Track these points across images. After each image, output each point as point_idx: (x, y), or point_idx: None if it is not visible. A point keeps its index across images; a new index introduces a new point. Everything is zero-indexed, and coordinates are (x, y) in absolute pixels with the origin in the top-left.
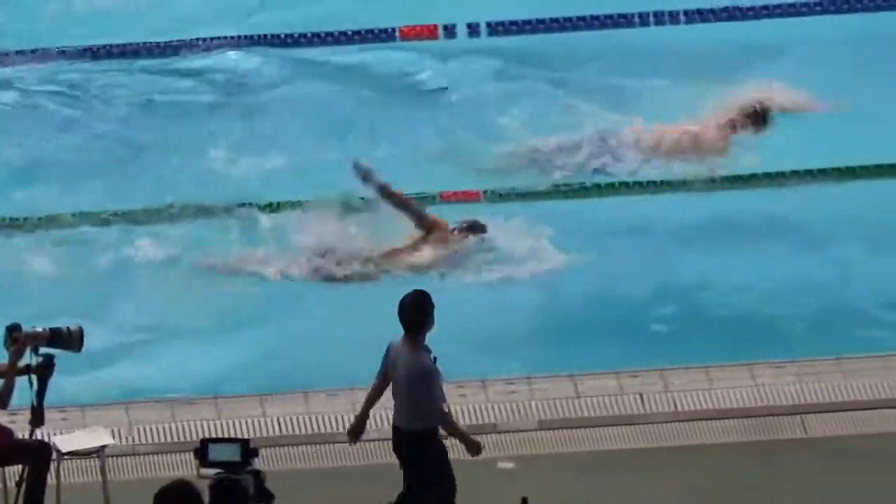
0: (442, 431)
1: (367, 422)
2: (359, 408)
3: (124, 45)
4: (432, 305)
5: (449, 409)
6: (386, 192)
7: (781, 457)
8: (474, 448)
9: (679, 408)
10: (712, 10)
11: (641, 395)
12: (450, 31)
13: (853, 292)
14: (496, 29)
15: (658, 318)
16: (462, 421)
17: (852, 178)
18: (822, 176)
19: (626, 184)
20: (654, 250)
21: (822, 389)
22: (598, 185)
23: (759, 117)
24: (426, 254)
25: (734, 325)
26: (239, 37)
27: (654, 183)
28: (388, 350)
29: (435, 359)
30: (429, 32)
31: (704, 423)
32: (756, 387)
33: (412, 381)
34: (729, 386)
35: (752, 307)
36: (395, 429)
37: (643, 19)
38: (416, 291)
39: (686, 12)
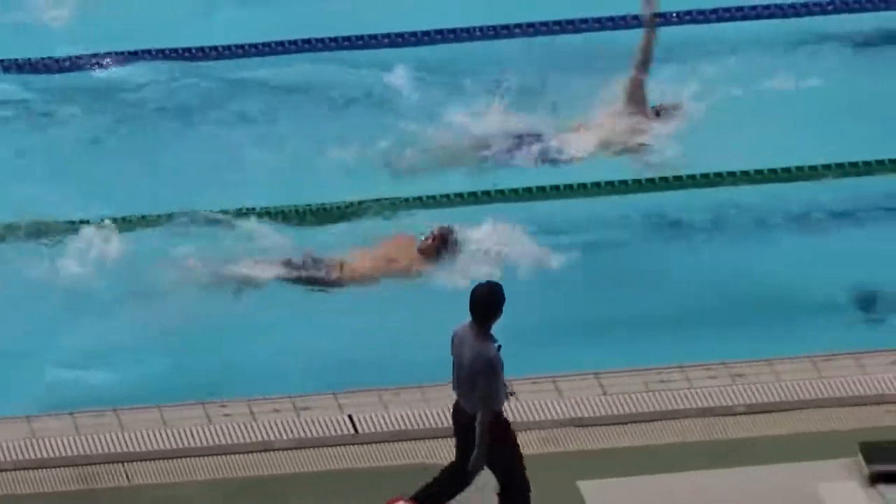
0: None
1: None
2: None
3: None
4: (504, 297)
5: (498, 411)
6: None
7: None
8: (475, 464)
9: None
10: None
11: None
12: None
13: None
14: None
15: None
16: None
17: None
18: None
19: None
20: None
21: (144, 436)
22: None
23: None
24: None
25: None
26: None
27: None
28: (453, 337)
29: (499, 347)
30: None
31: (24, 473)
32: (78, 436)
33: (477, 369)
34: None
35: None
36: (457, 408)
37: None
38: (489, 282)
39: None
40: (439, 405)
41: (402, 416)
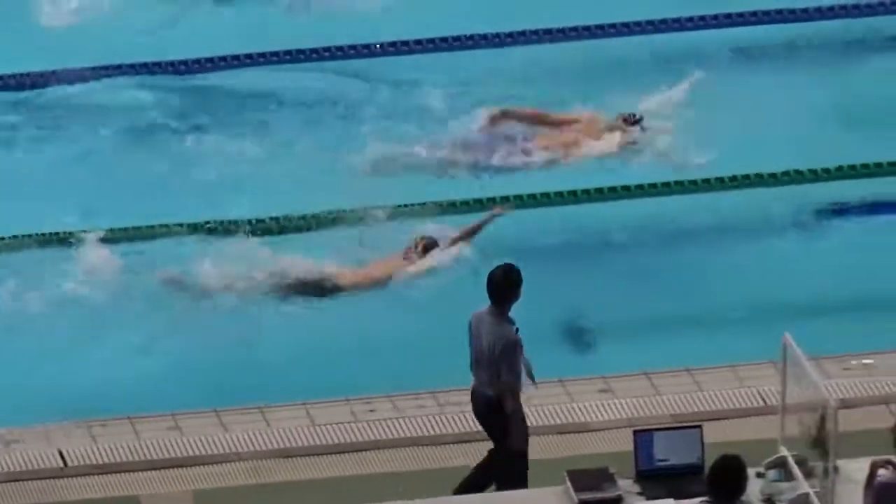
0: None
1: None
2: None
3: None
4: (520, 279)
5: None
6: None
7: None
8: (514, 444)
9: None
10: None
11: None
12: None
13: None
14: None
15: None
16: None
17: None
18: None
19: None
20: None
21: None
22: None
23: (634, 122)
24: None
25: None
26: None
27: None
28: (470, 322)
29: (517, 329)
30: None
31: None
32: None
33: (496, 351)
34: None
35: None
36: (475, 393)
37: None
38: (506, 264)
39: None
40: (148, 437)
41: (110, 449)
